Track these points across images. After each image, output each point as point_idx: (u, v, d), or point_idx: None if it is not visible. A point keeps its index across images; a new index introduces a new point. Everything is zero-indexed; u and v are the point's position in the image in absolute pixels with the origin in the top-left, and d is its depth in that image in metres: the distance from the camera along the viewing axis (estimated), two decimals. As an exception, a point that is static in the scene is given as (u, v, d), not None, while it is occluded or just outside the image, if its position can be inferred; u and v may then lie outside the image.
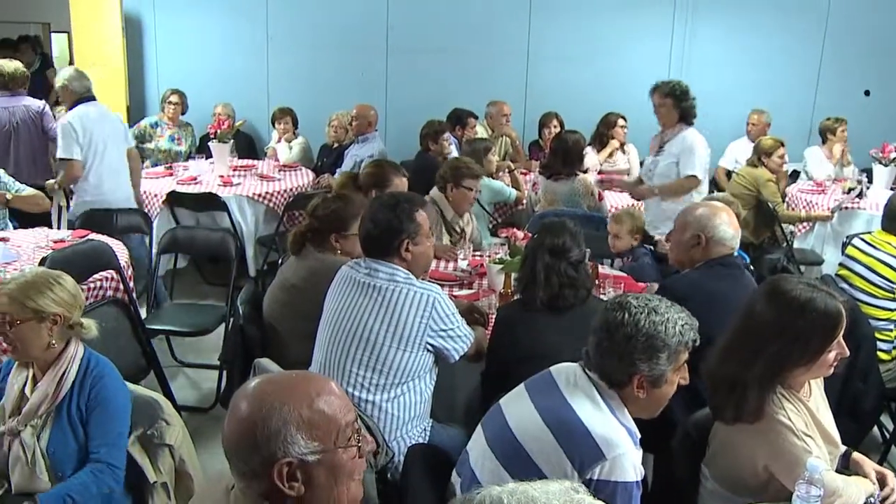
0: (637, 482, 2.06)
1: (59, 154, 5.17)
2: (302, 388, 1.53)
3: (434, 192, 4.67)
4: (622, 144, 7.01)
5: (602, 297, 3.61)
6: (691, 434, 2.56)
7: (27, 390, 2.59)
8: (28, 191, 4.82)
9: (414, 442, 2.83)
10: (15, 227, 4.91)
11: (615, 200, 5.94)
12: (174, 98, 7.15)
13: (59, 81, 5.36)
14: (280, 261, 4.12)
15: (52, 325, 2.56)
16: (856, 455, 2.51)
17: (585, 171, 5.57)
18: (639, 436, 2.15)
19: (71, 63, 9.46)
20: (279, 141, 7.44)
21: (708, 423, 2.49)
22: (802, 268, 5.99)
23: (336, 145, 7.10)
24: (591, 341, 2.21)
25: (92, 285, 3.96)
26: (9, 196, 4.72)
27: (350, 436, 1.54)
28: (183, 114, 7.26)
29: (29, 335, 2.53)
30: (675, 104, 5.11)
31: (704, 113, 7.46)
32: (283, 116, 7.40)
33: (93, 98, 5.36)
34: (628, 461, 2.04)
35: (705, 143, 5.14)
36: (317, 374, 1.63)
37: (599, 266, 4.11)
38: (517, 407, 2.27)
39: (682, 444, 2.58)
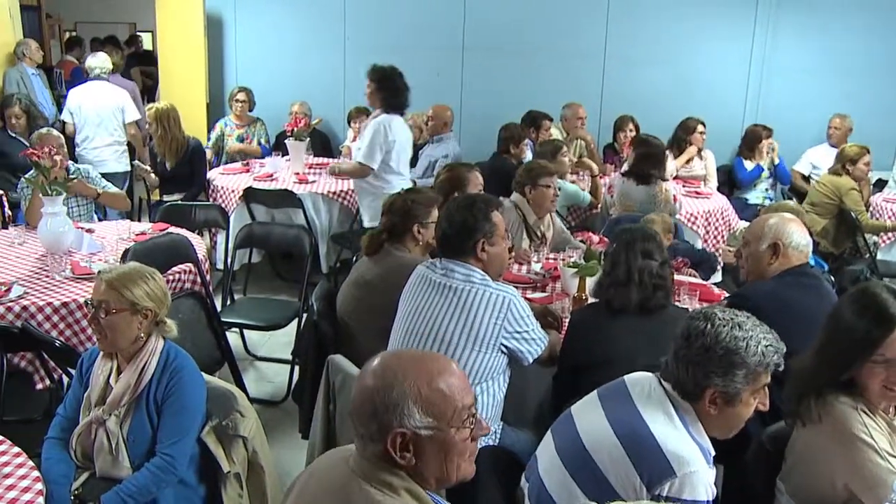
0: (708, 501, 2.01)
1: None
2: (425, 366, 1.63)
3: (515, 196, 4.62)
4: (699, 150, 6.88)
5: (677, 303, 3.55)
6: (767, 447, 2.49)
7: (112, 381, 2.66)
8: (113, 189, 5.11)
9: (484, 444, 2.82)
10: (100, 220, 5.07)
11: (692, 207, 5.83)
12: (241, 96, 7.29)
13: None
14: (354, 258, 4.16)
15: (143, 320, 2.63)
16: None
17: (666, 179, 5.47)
18: (713, 454, 2.09)
19: (154, 63, 9.73)
20: (354, 140, 7.49)
21: (784, 436, 2.42)
22: (886, 280, 5.80)
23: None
24: (670, 349, 2.16)
25: (171, 278, 4.05)
26: (99, 191, 4.96)
27: (465, 418, 1.62)
28: (250, 110, 7.40)
29: (121, 325, 2.60)
30: (377, 89, 5.20)
31: (785, 117, 7.35)
32: (359, 115, 7.44)
33: (101, 78, 7.02)
34: (699, 480, 1.99)
35: (390, 131, 5.16)
36: (440, 355, 1.75)
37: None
38: (588, 416, 2.24)
39: (758, 457, 2.51)
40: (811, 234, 3.52)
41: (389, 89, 5.23)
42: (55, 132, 5.00)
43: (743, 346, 2.05)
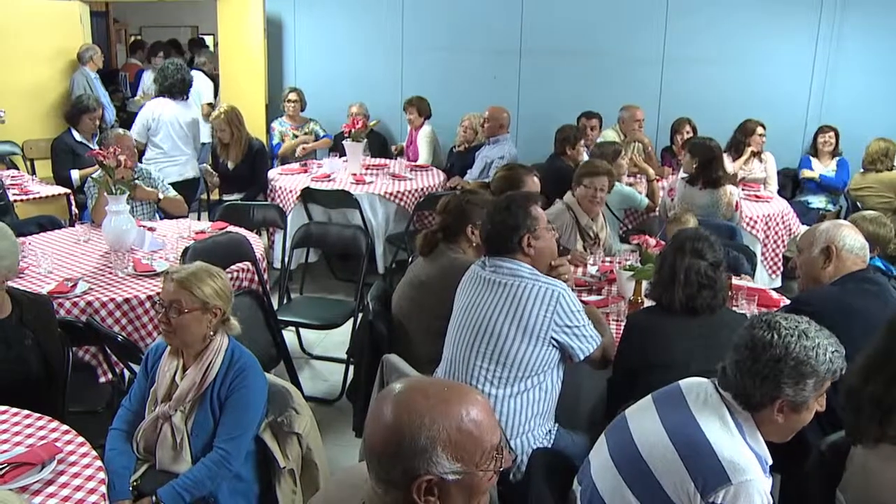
0: None
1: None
2: (453, 406, 1.49)
3: (567, 196, 4.65)
4: (759, 153, 6.77)
5: (735, 308, 3.49)
6: (826, 456, 2.42)
7: (178, 377, 2.72)
8: (172, 194, 5.28)
9: (538, 444, 2.82)
10: (161, 219, 5.19)
11: (751, 210, 5.74)
12: (293, 96, 7.42)
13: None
14: (410, 259, 4.18)
15: (213, 318, 2.69)
16: None
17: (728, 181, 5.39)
18: (770, 462, 2.06)
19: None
20: (410, 132, 7.57)
21: (845, 446, 2.36)
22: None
23: (465, 147, 7.12)
24: (730, 359, 2.12)
25: (229, 276, 4.09)
26: (161, 196, 5.15)
27: (492, 458, 1.50)
28: (302, 110, 7.50)
29: (192, 324, 2.66)
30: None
31: (850, 118, 7.15)
32: (410, 106, 7.51)
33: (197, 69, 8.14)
34: (755, 489, 1.96)
35: (155, 111, 6.37)
36: (467, 388, 1.59)
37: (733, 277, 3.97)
38: (643, 420, 2.22)
39: (817, 467, 2.45)
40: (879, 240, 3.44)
41: (161, 79, 6.43)
42: (130, 133, 5.17)
43: (813, 355, 2.03)
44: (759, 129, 6.70)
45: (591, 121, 7.00)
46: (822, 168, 7.03)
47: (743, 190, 6.21)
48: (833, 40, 7.26)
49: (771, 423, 2.09)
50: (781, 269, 5.84)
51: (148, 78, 9.03)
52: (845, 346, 2.18)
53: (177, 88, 6.38)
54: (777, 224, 5.81)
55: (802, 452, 2.51)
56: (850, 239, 3.09)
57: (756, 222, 5.65)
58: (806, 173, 7.07)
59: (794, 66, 7.38)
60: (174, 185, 5.71)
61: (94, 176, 4.90)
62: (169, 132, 6.38)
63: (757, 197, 6.13)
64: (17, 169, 7.04)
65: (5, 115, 7.58)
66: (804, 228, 5.92)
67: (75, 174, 6.20)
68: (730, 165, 6.51)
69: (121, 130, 5.23)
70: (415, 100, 7.45)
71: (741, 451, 2.01)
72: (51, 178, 6.51)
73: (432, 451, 1.44)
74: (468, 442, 1.47)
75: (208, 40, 12.89)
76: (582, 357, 2.87)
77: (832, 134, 7.02)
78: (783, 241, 5.82)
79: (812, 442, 2.57)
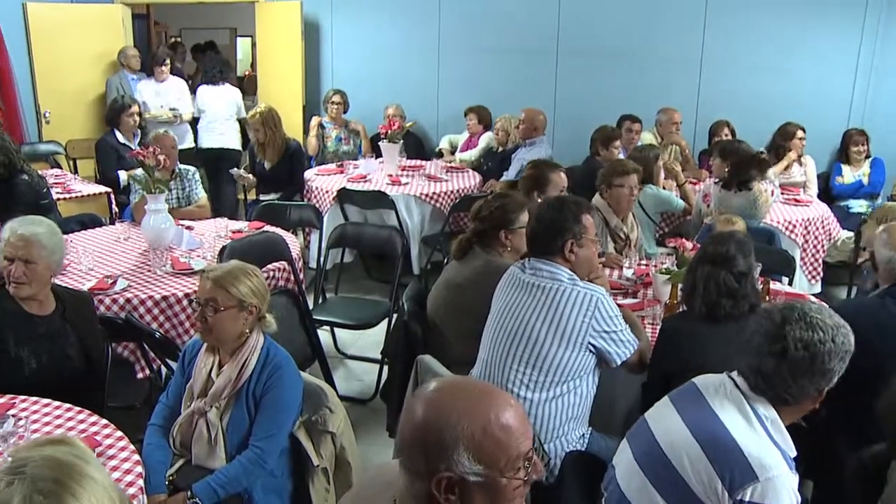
0: None
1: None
2: (482, 408, 1.48)
3: (596, 198, 4.62)
4: (799, 157, 6.67)
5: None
6: (868, 467, 2.36)
7: (214, 374, 2.76)
8: (202, 199, 5.39)
9: (572, 448, 2.81)
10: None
11: (790, 214, 5.67)
12: (336, 98, 7.40)
13: None
14: (445, 261, 4.19)
15: (248, 316, 2.72)
16: None
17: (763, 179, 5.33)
18: (793, 454, 2.05)
19: (253, 65, 10.02)
20: (470, 138, 7.55)
21: (885, 457, 2.30)
22: None
23: (500, 149, 7.11)
24: (775, 364, 2.07)
25: (265, 275, 4.12)
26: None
27: (520, 466, 1.48)
28: (345, 112, 7.50)
29: (228, 322, 2.69)
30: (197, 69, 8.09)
31: (895, 122, 7.01)
32: (471, 112, 7.50)
33: None
34: (783, 485, 1.95)
35: (200, 95, 7.68)
36: (501, 393, 1.56)
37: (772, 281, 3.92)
38: (664, 420, 2.21)
39: (857, 478, 2.39)
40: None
41: (205, 69, 8.01)
42: (171, 134, 5.24)
43: (847, 340, 2.07)
44: (800, 133, 6.60)
45: (635, 125, 6.89)
46: (855, 173, 6.88)
47: (782, 194, 6.13)
48: (878, 41, 7.11)
49: (802, 411, 2.12)
50: (821, 274, 5.75)
51: (146, 89, 7.76)
52: (880, 360, 2.16)
53: (217, 77, 7.77)
54: (817, 229, 5.71)
55: (830, 460, 2.48)
56: (884, 249, 3.04)
57: (795, 226, 5.57)
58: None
59: (836, 68, 7.23)
60: (218, 151, 7.52)
61: (132, 174, 4.96)
62: (214, 110, 7.65)
63: (796, 201, 6.04)
64: (61, 168, 7.17)
65: (50, 116, 7.77)
66: (845, 233, 5.84)
67: (123, 175, 6.27)
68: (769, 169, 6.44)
69: (162, 130, 5.29)
70: (476, 107, 7.47)
71: (766, 447, 2.00)
72: (92, 177, 6.62)
73: (454, 448, 1.43)
74: (493, 445, 1.45)
75: (246, 42, 13.05)
76: (619, 362, 2.86)
77: (865, 139, 6.87)
78: (823, 246, 5.73)
79: (842, 452, 2.54)
